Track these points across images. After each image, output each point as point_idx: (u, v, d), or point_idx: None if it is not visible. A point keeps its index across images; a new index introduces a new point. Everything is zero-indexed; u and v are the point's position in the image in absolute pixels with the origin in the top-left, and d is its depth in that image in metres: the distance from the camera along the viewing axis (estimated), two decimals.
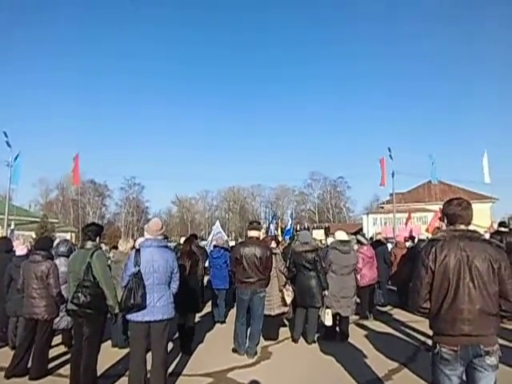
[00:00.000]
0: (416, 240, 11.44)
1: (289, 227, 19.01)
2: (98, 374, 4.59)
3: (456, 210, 2.83)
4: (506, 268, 2.65)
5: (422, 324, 6.86)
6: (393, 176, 23.45)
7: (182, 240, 12.79)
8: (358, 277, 7.85)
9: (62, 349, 6.22)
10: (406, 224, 22.25)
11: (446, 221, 2.89)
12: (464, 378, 2.73)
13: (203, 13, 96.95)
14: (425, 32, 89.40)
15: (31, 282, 5.14)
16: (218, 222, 15.92)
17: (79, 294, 4.32)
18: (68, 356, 5.17)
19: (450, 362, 2.65)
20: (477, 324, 2.60)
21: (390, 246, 11.62)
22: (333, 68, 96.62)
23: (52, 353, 5.73)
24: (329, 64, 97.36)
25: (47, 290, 5.11)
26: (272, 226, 19.02)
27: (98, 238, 4.72)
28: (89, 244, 4.60)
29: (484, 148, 22.41)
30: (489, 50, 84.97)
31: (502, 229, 8.59)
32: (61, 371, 5.28)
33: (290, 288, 6.63)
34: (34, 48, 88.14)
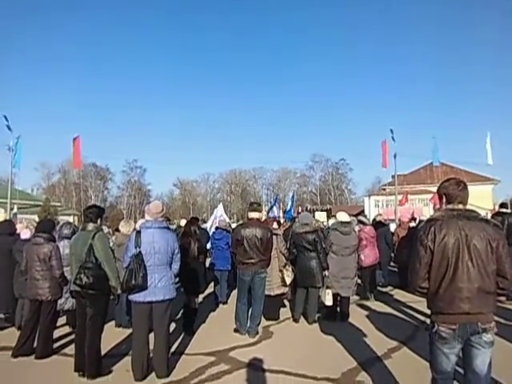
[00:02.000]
0: (417, 221, 11.46)
1: (288, 208, 19.01)
2: (102, 353, 4.66)
3: (455, 189, 2.84)
4: (503, 247, 2.68)
5: (422, 304, 6.87)
6: (395, 158, 23.34)
7: (183, 222, 12.85)
8: (362, 257, 7.92)
9: (67, 329, 6.32)
10: (402, 204, 22.23)
11: (444, 200, 2.89)
12: (460, 355, 2.77)
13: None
14: (426, 13, 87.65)
15: (34, 264, 5.20)
16: (220, 204, 15.91)
17: (82, 276, 4.36)
18: (73, 336, 5.26)
19: (448, 340, 2.69)
20: (475, 302, 2.62)
21: (392, 226, 11.63)
22: (335, 49, 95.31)
23: (57, 333, 5.83)
24: (331, 46, 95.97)
25: (50, 271, 5.17)
26: (275, 209, 19.05)
27: (99, 220, 4.73)
28: (90, 226, 4.62)
29: (487, 130, 22.24)
30: (490, 32, 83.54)
31: (503, 210, 8.61)
32: (66, 351, 5.38)
33: (290, 269, 6.69)
34: (34, 33, 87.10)
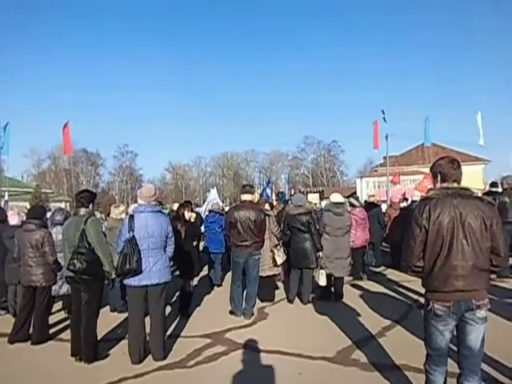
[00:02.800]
0: (409, 201, 11.52)
1: (284, 190, 19.03)
2: (98, 338, 4.68)
3: (449, 168, 2.84)
4: (497, 224, 2.69)
5: (415, 283, 7.00)
6: (386, 139, 23.22)
7: (175, 206, 12.81)
8: (353, 238, 7.95)
9: (63, 314, 6.33)
10: (394, 183, 22.32)
11: (438, 178, 2.88)
12: (455, 332, 2.82)
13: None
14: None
15: (26, 250, 5.16)
16: (214, 188, 15.79)
17: (75, 261, 4.34)
18: (69, 321, 5.26)
19: (443, 317, 2.73)
20: (470, 279, 2.65)
21: (384, 207, 11.69)
22: (326, 35, 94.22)
23: (53, 319, 5.84)
24: (321, 31, 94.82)
25: (43, 257, 5.14)
26: (268, 190, 19.06)
27: (91, 205, 4.69)
28: (82, 211, 4.58)
29: (478, 109, 22.16)
30: (482, 17, 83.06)
31: (494, 189, 8.66)
32: (62, 336, 5.40)
33: (282, 249, 6.72)
34: (26, 18, 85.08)
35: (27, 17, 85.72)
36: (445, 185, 2.84)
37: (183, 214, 6.34)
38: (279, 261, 6.66)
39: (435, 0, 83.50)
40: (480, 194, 9.50)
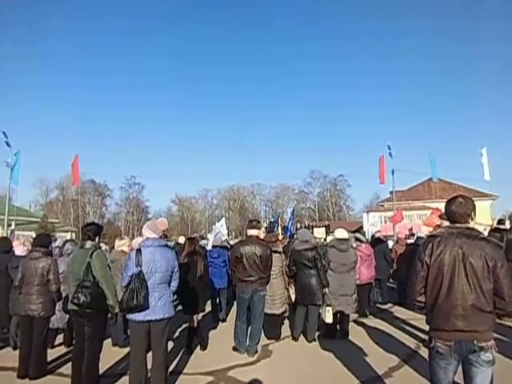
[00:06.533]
0: (415, 237, 11.44)
1: (288, 224, 18.95)
2: (100, 373, 4.60)
3: (453, 207, 2.89)
4: (502, 267, 2.67)
5: (422, 321, 6.78)
6: (392, 174, 23.35)
7: (181, 239, 12.77)
8: (358, 275, 7.87)
9: (63, 349, 6.23)
10: (396, 222, 21.38)
11: (445, 217, 2.99)
12: (461, 370, 2.79)
13: (204, 10, 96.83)
14: (426, 27, 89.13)
15: (31, 279, 5.10)
16: (223, 219, 15.42)
17: (79, 295, 4.32)
18: (68, 355, 5.18)
19: (445, 356, 2.74)
20: (470, 320, 2.66)
21: (390, 243, 11.62)
22: (333, 65, 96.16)
23: (53, 353, 5.75)
24: (329, 61, 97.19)
25: (46, 286, 5.08)
26: (275, 226, 19.06)
27: (97, 238, 4.72)
28: (88, 244, 4.60)
29: (484, 145, 22.25)
30: (488, 47, 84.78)
31: (502, 226, 8.60)
32: (61, 370, 5.29)
33: (293, 286, 6.68)
34: (32, 46, 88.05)
35: (37, 45, 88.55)
36: (451, 224, 2.89)
37: (199, 252, 6.40)
38: (293, 298, 6.63)
39: (441, 31, 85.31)
40: (487, 230, 9.45)
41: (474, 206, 2.89)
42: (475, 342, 2.65)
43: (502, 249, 2.86)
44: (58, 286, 5.16)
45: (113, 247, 8.99)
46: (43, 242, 5.45)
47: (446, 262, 2.72)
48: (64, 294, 5.10)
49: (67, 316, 5.68)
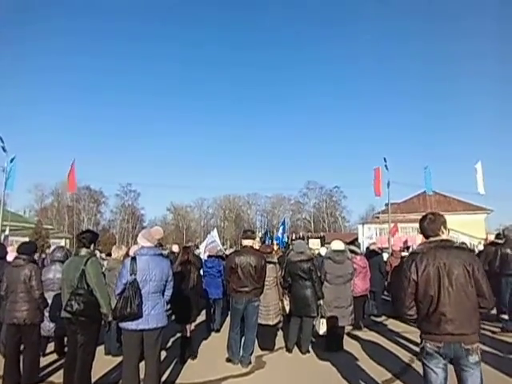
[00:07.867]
0: (410, 250, 11.47)
1: (279, 234, 18.97)
2: (92, 381, 4.56)
3: (424, 224, 3.21)
4: (478, 269, 2.98)
5: (416, 335, 6.82)
6: (388, 186, 23.44)
7: (174, 247, 12.73)
8: (352, 287, 7.85)
9: (54, 356, 6.17)
10: (393, 234, 22.03)
11: (421, 235, 3.32)
12: (449, 369, 3.01)
13: (203, 13, 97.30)
14: (417, 45, 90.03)
15: (16, 286, 5.02)
16: (215, 230, 15.70)
17: (72, 302, 4.29)
18: (59, 363, 5.12)
19: (433, 355, 2.99)
20: (458, 323, 2.91)
21: (385, 255, 11.64)
22: (331, 72, 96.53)
23: (45, 360, 5.69)
24: (326, 68, 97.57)
25: (30, 293, 5.00)
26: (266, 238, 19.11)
27: (92, 245, 4.71)
28: (83, 251, 4.59)
29: (479, 159, 22.42)
30: (481, 64, 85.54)
31: (499, 241, 8.64)
32: (52, 378, 5.25)
33: (287, 297, 6.68)
34: (29, 48, 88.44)
35: (26, 51, 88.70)
36: (427, 240, 3.19)
37: (193, 262, 6.41)
38: (287, 309, 6.62)
39: (436, 48, 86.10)
40: (482, 244, 9.49)
41: (444, 221, 3.20)
42: (462, 344, 2.88)
43: (474, 253, 3.09)
44: (41, 292, 5.08)
45: (108, 254, 8.96)
46: (27, 249, 5.36)
47: (431, 275, 2.98)
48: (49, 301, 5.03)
49: (53, 324, 5.64)
